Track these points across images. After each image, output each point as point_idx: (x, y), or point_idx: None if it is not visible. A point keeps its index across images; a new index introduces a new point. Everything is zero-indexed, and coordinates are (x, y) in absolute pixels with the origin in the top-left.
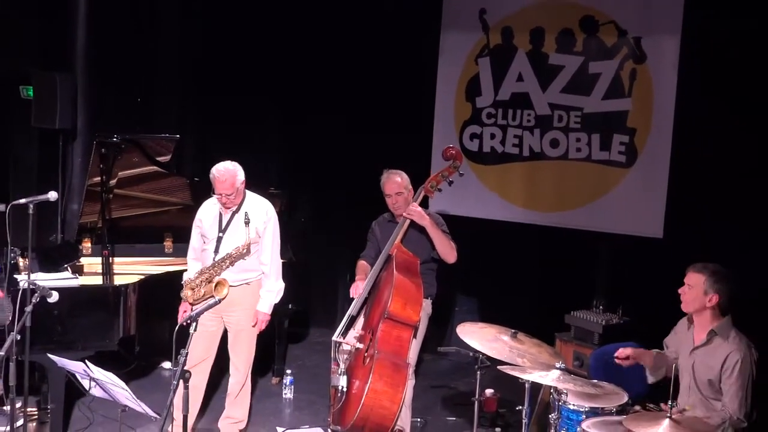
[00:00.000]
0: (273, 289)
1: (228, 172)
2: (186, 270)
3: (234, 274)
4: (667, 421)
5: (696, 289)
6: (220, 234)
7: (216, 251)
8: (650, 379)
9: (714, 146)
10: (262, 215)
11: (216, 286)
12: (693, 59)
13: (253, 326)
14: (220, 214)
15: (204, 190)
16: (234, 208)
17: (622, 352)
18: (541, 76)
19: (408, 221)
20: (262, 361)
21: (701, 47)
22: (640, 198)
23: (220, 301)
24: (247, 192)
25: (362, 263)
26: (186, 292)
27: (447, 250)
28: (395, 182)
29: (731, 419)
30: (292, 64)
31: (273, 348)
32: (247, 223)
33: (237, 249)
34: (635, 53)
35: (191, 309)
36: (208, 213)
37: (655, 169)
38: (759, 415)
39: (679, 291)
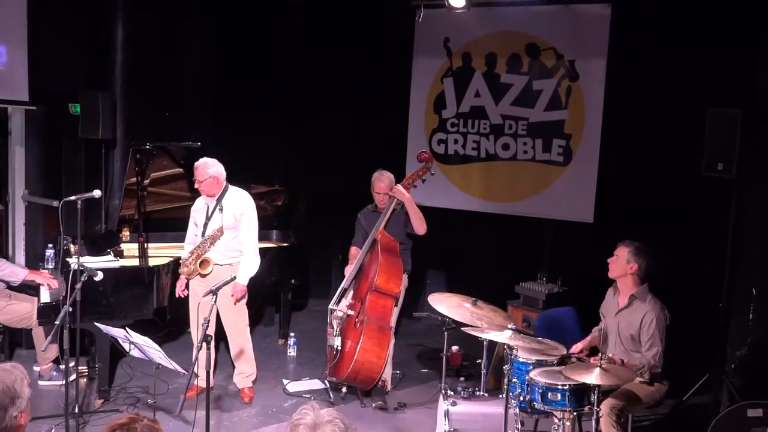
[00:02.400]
0: (250, 264)
1: (204, 164)
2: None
3: (221, 254)
4: (597, 369)
5: (621, 259)
6: (206, 221)
7: (203, 235)
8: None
9: (634, 148)
10: (239, 203)
11: (201, 263)
12: (616, 77)
13: (232, 296)
14: (207, 206)
15: None
16: (217, 198)
17: (576, 347)
18: (495, 93)
19: (390, 211)
20: (269, 326)
21: (623, 67)
22: (575, 190)
23: (234, 278)
24: (230, 186)
25: (354, 249)
26: (183, 269)
27: (418, 223)
28: (381, 183)
29: (649, 365)
30: (293, 81)
31: (279, 315)
32: (220, 210)
33: (213, 231)
34: (570, 73)
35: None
36: (198, 205)
37: (587, 166)
38: (669, 363)
39: (609, 260)
